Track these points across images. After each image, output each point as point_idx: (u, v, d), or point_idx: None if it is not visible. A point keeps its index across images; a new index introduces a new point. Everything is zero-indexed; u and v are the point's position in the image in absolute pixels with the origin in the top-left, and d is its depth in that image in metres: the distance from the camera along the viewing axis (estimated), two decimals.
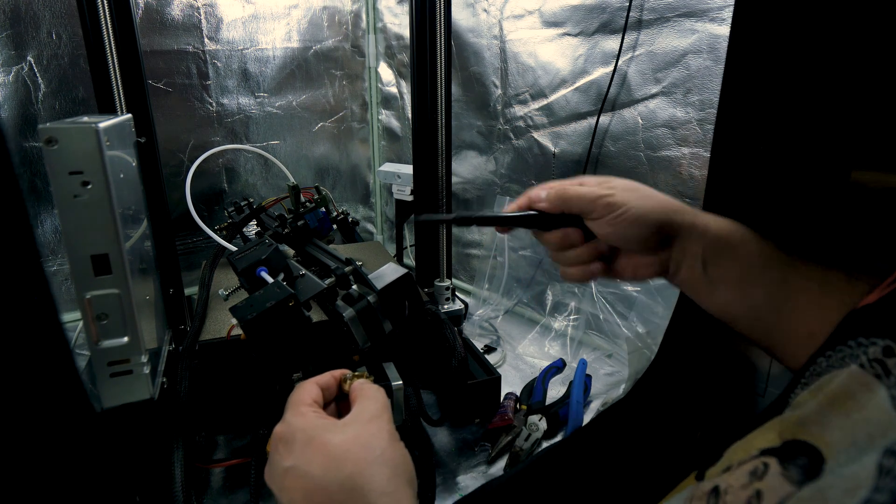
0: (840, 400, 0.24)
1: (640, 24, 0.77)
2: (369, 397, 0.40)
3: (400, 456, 0.36)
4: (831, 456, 0.22)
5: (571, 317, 0.93)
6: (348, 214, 1.03)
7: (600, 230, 0.40)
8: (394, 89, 1.26)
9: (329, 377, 0.43)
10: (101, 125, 0.46)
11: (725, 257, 0.39)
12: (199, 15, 1.00)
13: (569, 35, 0.87)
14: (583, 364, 0.77)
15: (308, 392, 0.40)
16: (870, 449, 0.21)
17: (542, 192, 0.42)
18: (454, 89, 1.05)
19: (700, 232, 0.39)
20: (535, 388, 0.75)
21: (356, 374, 0.44)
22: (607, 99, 0.82)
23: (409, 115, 1.21)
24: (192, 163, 0.89)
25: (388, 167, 1.09)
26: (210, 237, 0.79)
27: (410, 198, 1.01)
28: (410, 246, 1.15)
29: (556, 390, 0.77)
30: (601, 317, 0.86)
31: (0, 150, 0.32)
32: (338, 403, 0.43)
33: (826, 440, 0.23)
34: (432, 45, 0.77)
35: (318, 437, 0.35)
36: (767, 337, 0.40)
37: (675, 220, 0.39)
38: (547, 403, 0.72)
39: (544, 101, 0.93)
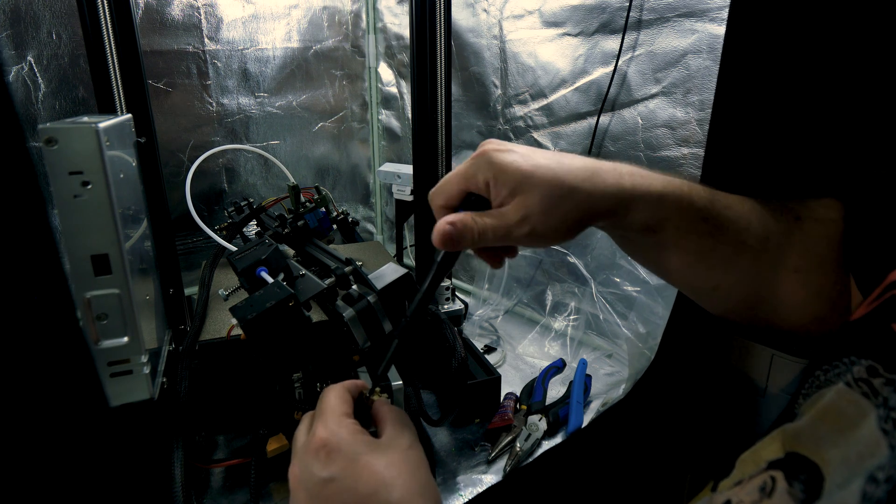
0: (830, 416, 0.24)
1: (639, 24, 0.77)
2: (404, 422, 0.40)
3: (436, 489, 0.37)
4: (829, 474, 0.23)
5: (571, 317, 0.93)
6: (348, 214, 1.02)
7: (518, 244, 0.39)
8: (394, 89, 1.26)
9: (354, 387, 0.43)
10: (101, 125, 0.46)
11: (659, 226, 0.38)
12: (199, 15, 1.00)
13: (569, 35, 0.87)
14: (583, 364, 0.77)
15: (345, 401, 0.41)
16: (859, 471, 0.21)
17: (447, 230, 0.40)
18: (454, 89, 1.05)
19: (626, 214, 0.38)
20: (535, 388, 0.75)
21: (376, 392, 0.44)
22: (607, 99, 0.82)
23: (409, 115, 1.21)
24: (192, 163, 0.89)
25: (388, 167, 1.08)
26: (210, 237, 0.79)
27: (410, 198, 1.01)
28: (410, 246, 1.15)
29: (556, 390, 0.77)
30: (601, 317, 0.86)
31: (21, 152, 0.32)
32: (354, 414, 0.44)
33: (823, 456, 0.24)
34: (432, 45, 0.77)
35: (365, 455, 0.36)
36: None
37: (596, 215, 0.38)
38: (547, 403, 0.72)
39: (544, 101, 0.93)
